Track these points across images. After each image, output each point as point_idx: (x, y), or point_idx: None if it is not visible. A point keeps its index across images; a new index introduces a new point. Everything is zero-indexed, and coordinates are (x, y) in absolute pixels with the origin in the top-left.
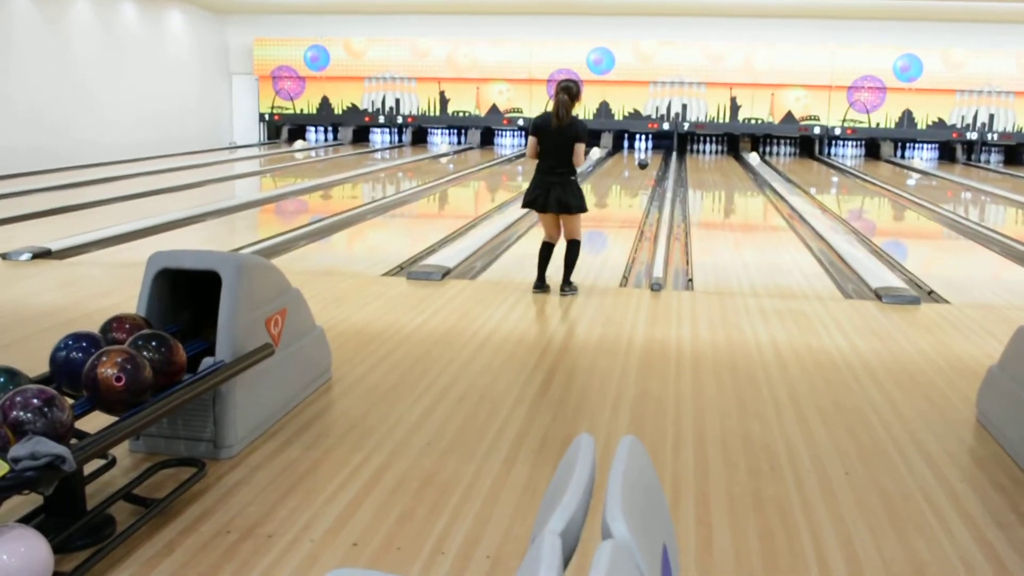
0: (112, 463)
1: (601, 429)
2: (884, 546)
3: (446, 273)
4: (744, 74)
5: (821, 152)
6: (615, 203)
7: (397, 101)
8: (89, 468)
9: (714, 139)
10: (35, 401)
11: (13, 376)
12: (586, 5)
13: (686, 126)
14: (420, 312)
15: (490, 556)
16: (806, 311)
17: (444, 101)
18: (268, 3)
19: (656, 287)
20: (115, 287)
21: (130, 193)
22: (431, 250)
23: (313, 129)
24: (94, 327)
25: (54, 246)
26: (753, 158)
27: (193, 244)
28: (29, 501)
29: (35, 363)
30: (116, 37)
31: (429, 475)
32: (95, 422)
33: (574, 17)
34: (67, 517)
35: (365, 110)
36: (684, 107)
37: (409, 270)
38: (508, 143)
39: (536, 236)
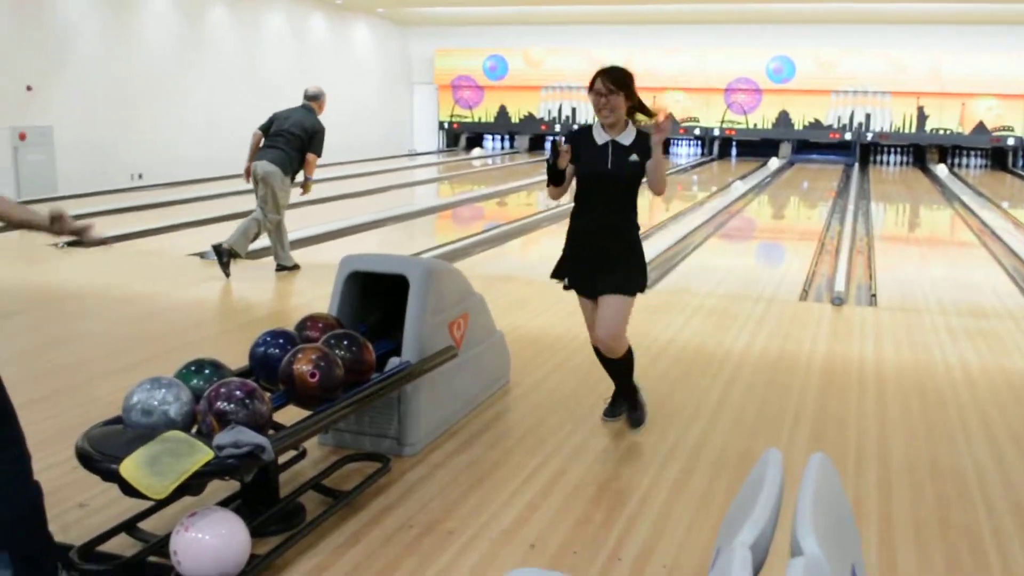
0: (303, 455)
1: (779, 445)
2: None
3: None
4: (931, 83)
5: (1015, 164)
6: (793, 214)
7: (573, 110)
8: (282, 458)
9: (899, 150)
10: (238, 393)
11: (218, 369)
12: (765, 13)
13: (869, 136)
14: None
15: (666, 566)
16: (999, 331)
17: None
18: (449, 15)
19: (837, 301)
20: (303, 287)
21: (314, 198)
22: None
23: (490, 137)
24: (283, 324)
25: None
26: (941, 170)
27: (373, 248)
28: (226, 487)
29: (233, 357)
30: (306, 46)
31: (605, 482)
32: (287, 415)
33: (752, 25)
34: (261, 504)
35: (541, 119)
36: (867, 117)
37: None
38: (684, 152)
39: (716, 248)
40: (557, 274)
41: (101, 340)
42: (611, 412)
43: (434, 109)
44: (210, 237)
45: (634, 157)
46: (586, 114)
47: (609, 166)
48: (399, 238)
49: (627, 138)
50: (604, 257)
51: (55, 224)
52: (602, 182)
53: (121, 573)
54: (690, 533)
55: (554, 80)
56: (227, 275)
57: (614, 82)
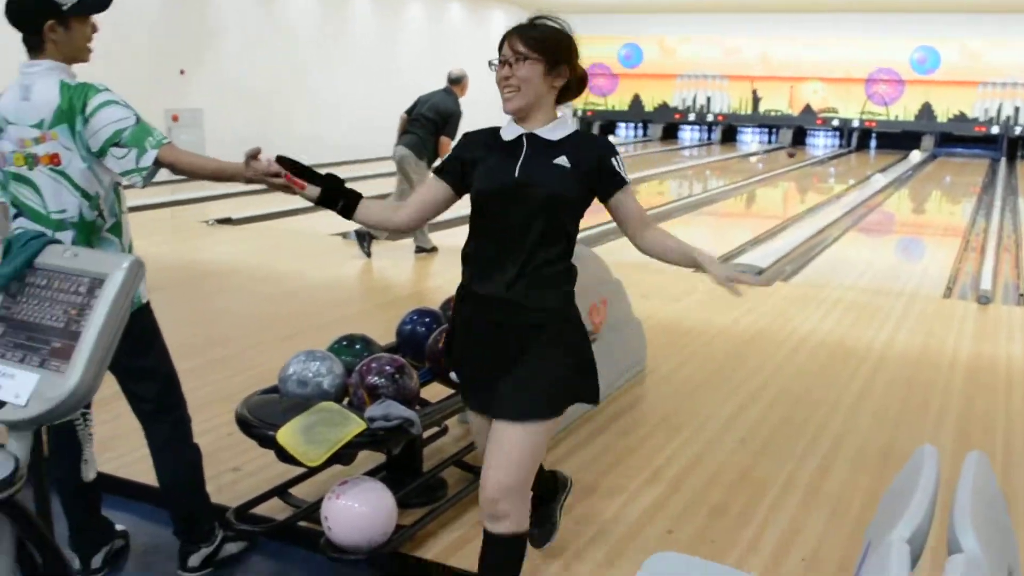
0: (444, 431)
1: (923, 442)
2: None
3: (758, 273)
4: None
5: None
6: (935, 209)
7: (708, 99)
8: (426, 433)
9: None
10: (388, 368)
11: (368, 345)
12: (910, 1)
13: (1017, 130)
14: (732, 311)
15: (804, 559)
16: None
17: (756, 100)
18: (584, 2)
19: (984, 300)
20: (440, 268)
21: None
22: (740, 250)
23: (624, 125)
24: (422, 304)
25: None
26: None
27: None
28: (372, 458)
29: (375, 335)
30: (443, 35)
31: (742, 472)
32: (430, 392)
33: (896, 14)
34: (405, 476)
35: (675, 107)
36: (1016, 110)
37: None
38: (821, 143)
39: (855, 241)
40: (449, 361)
41: (248, 315)
42: None
43: None
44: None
45: (562, 161)
46: (722, 104)
47: (516, 174)
48: None
49: (554, 132)
50: (504, 351)
51: (249, 169)
52: (505, 206)
53: (274, 535)
54: (829, 527)
55: (689, 69)
56: (368, 255)
57: (529, 43)
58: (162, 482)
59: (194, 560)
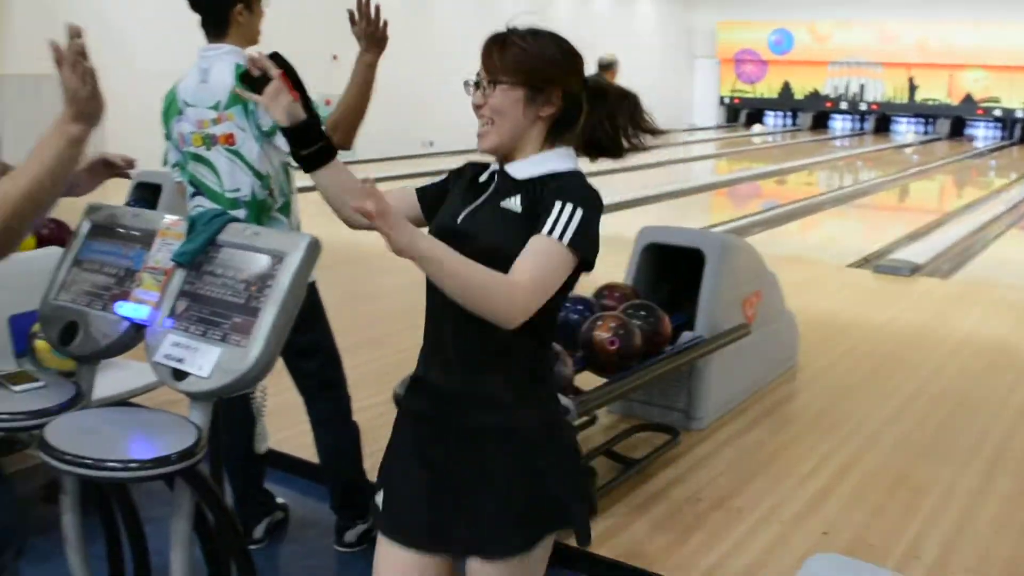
0: (593, 420)
1: None
2: None
3: (915, 269)
4: None
5: None
6: None
7: (861, 87)
8: (575, 422)
9: None
10: None
11: None
12: None
13: None
14: (888, 307)
15: (970, 570)
16: None
17: (912, 88)
18: None
19: None
20: None
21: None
22: (896, 244)
23: (772, 113)
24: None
25: None
26: None
27: (644, 224)
28: None
29: None
30: (589, 22)
31: (902, 474)
32: (580, 380)
33: None
34: None
35: (827, 95)
36: None
37: (875, 263)
38: (982, 135)
39: (1017, 239)
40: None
41: (402, 296)
42: None
43: (715, 84)
44: None
45: (513, 205)
46: (876, 92)
47: (459, 220)
48: (671, 215)
49: (526, 167)
50: (453, 468)
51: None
52: None
53: None
54: (996, 538)
55: (842, 56)
56: None
57: (505, 62)
58: (322, 457)
59: (350, 536)
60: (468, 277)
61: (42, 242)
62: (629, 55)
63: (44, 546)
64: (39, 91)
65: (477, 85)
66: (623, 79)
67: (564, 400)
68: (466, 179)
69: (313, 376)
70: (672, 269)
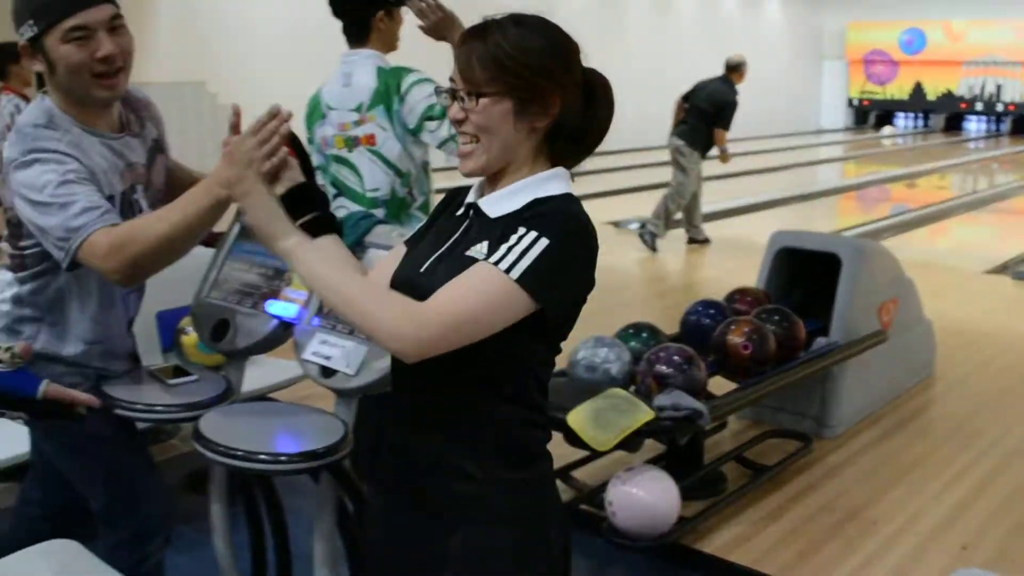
0: (723, 425)
1: None
2: None
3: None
4: None
5: None
6: None
7: (998, 87)
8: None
9: None
10: (677, 358)
11: (655, 333)
12: None
13: None
14: None
15: None
16: None
17: None
18: None
19: None
20: (713, 259)
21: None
22: None
23: (902, 115)
24: (696, 295)
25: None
26: None
27: (771, 227)
28: (652, 447)
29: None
30: (717, 23)
31: None
32: (712, 385)
33: None
34: (686, 468)
35: (961, 96)
36: None
37: (1014, 270)
38: None
39: None
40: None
41: None
42: None
43: (843, 85)
44: (625, 207)
45: (478, 251)
46: (1014, 93)
47: (423, 267)
48: (797, 219)
49: (503, 202)
50: (413, 514)
51: None
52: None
53: None
54: None
55: (977, 55)
56: (654, 250)
57: (486, 67)
58: None
59: None
60: (344, 286)
61: None
62: (756, 56)
63: (190, 534)
64: (181, 98)
65: (453, 95)
66: (750, 80)
67: (697, 404)
68: (449, 212)
69: None
70: (804, 274)
